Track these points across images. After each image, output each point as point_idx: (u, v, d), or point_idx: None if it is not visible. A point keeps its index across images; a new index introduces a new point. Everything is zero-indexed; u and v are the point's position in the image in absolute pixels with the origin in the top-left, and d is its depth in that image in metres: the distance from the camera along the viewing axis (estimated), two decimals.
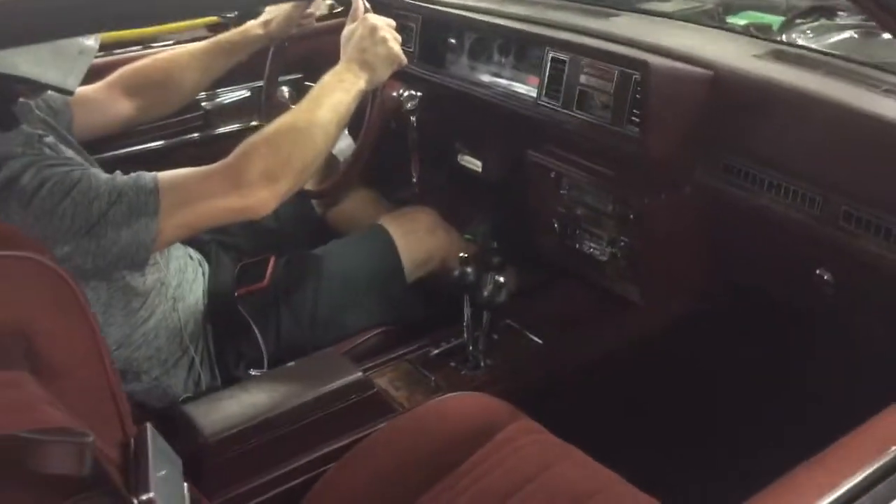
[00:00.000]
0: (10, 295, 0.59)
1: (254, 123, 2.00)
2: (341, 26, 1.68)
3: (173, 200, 1.24)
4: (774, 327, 1.53)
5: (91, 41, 1.30)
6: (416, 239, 1.73)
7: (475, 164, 1.89)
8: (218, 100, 1.99)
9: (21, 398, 0.52)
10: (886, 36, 1.77)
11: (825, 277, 1.29)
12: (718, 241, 1.51)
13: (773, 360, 1.57)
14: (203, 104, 1.96)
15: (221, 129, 2.00)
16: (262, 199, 1.29)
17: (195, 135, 1.97)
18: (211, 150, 1.89)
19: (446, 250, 1.76)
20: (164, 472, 0.64)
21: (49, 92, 1.37)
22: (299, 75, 2.01)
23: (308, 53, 1.92)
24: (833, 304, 1.32)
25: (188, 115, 1.92)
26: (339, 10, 1.98)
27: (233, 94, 2.01)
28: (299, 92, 1.95)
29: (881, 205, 1.20)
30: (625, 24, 1.64)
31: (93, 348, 0.66)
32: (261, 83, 1.95)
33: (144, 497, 0.60)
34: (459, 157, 1.92)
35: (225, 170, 1.29)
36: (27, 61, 1.22)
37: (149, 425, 0.65)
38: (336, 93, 1.42)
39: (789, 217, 1.30)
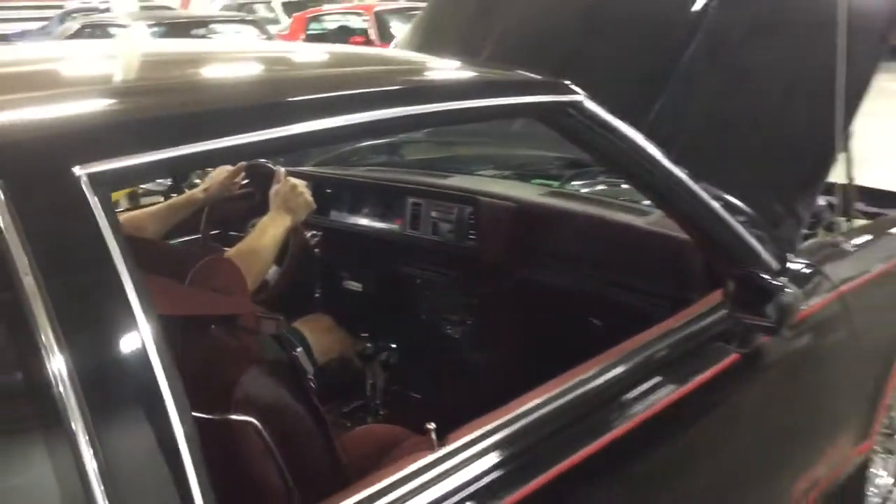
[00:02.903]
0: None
1: None
2: (251, 194, 2.40)
3: None
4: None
5: None
6: (320, 336, 2.37)
7: (357, 286, 2.59)
8: None
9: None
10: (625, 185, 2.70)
11: (595, 322, 2.06)
12: (531, 314, 2.26)
13: None
14: None
15: None
16: None
17: None
18: None
19: (342, 343, 2.41)
20: None
21: None
22: (219, 230, 2.66)
23: (228, 213, 2.59)
24: (602, 340, 2.08)
25: None
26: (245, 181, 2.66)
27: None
28: (222, 242, 2.61)
29: (622, 271, 2.00)
30: (458, 180, 2.45)
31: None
32: (189, 237, 2.59)
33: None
34: (344, 283, 2.61)
35: None
36: None
37: None
38: (272, 228, 2.08)
39: (570, 287, 2.09)
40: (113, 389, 0.85)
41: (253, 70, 1.47)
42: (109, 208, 0.87)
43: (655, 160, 1.56)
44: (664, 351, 1.51)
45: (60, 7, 16.12)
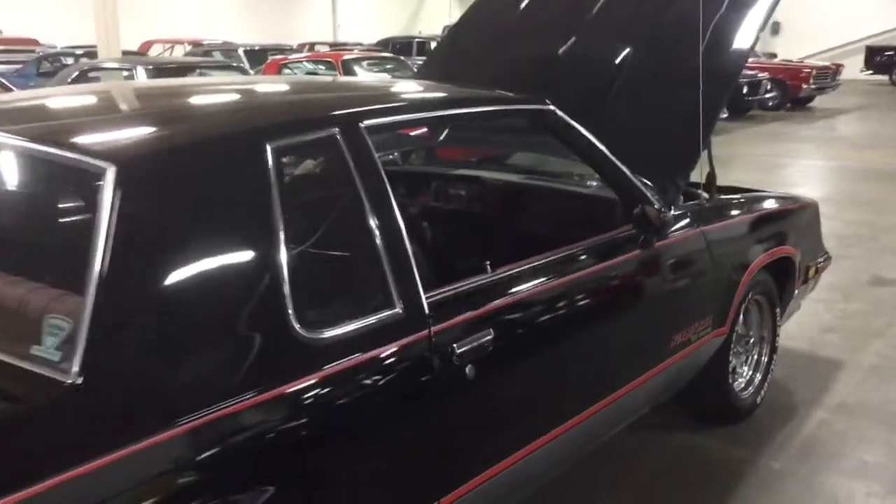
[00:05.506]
0: None
1: None
2: None
3: None
4: None
5: None
6: None
7: None
8: None
9: None
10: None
11: None
12: (520, 248, 3.52)
13: None
14: None
15: None
16: None
17: None
18: None
19: None
20: None
21: None
22: None
23: None
24: None
25: None
26: None
27: None
28: None
29: (575, 219, 3.27)
30: (464, 171, 3.73)
31: None
32: None
33: None
34: None
35: None
36: None
37: None
38: None
39: (543, 232, 3.35)
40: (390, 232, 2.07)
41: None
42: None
43: (598, 148, 2.86)
44: (597, 246, 2.80)
45: (31, 52, 16.98)
